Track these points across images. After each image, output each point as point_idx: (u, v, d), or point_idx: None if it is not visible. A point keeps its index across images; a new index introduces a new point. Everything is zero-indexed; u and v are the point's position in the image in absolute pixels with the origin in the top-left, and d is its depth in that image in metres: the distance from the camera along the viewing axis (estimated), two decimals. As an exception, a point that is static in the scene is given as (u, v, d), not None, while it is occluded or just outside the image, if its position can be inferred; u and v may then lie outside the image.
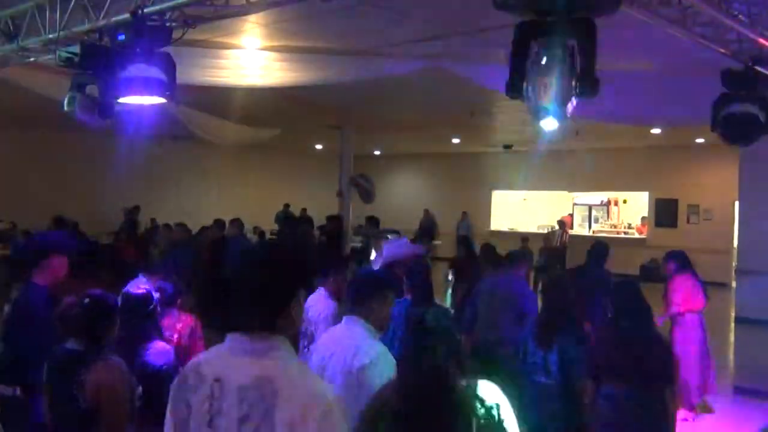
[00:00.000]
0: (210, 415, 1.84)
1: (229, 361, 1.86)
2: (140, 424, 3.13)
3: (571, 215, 20.14)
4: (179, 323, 4.49)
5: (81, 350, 3.08)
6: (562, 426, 4.20)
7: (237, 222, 10.27)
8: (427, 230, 16.74)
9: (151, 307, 3.80)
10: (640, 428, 3.95)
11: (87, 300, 3.18)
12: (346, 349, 2.99)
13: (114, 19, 4.99)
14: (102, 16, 5.07)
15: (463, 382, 2.36)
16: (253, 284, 1.85)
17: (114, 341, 3.24)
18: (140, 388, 3.21)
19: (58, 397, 3.08)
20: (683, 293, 6.51)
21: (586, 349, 4.16)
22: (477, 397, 2.33)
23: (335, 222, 12.51)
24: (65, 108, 5.62)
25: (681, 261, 6.70)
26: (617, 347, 4.01)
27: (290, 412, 1.75)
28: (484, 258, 7.42)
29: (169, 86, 4.94)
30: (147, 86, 4.88)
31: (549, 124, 4.98)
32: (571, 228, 19.85)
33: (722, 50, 4.93)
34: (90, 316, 3.12)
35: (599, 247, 6.89)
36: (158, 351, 3.64)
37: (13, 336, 4.02)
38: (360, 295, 3.17)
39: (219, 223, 10.49)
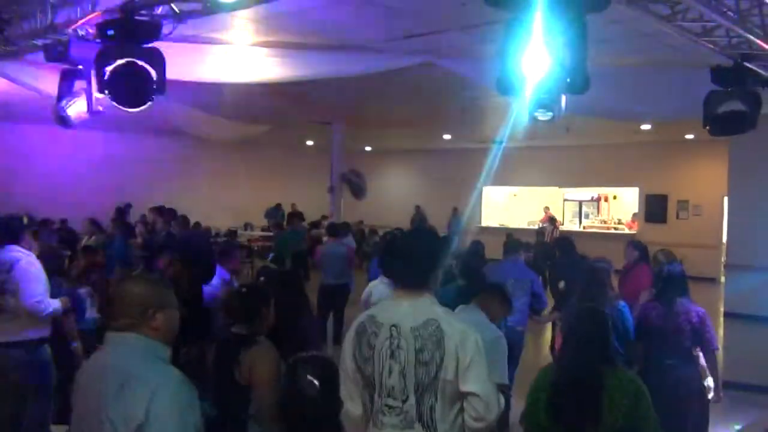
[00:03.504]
0: (391, 350, 2.54)
1: (399, 311, 2.59)
2: None
3: (548, 207, 20.23)
4: None
5: (243, 333, 3.50)
6: None
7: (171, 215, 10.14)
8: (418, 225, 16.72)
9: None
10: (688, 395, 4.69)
11: (244, 289, 3.71)
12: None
13: (103, 13, 4.95)
14: (91, 10, 5.03)
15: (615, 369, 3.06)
16: (423, 255, 2.65)
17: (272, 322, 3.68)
18: None
19: (222, 374, 3.49)
20: (644, 281, 6.64)
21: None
22: (627, 382, 3.02)
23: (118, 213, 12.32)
24: (55, 101, 5.59)
25: (642, 252, 7.34)
26: (667, 321, 4.71)
27: (454, 341, 2.47)
28: None
29: (160, 82, 4.92)
30: (137, 82, 4.86)
31: (540, 120, 4.98)
32: (562, 223, 19.93)
33: (711, 46, 4.95)
34: (247, 303, 3.56)
35: (565, 241, 8.43)
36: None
37: None
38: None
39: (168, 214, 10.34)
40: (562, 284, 7.21)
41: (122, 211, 12.45)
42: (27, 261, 4.83)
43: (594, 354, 3.07)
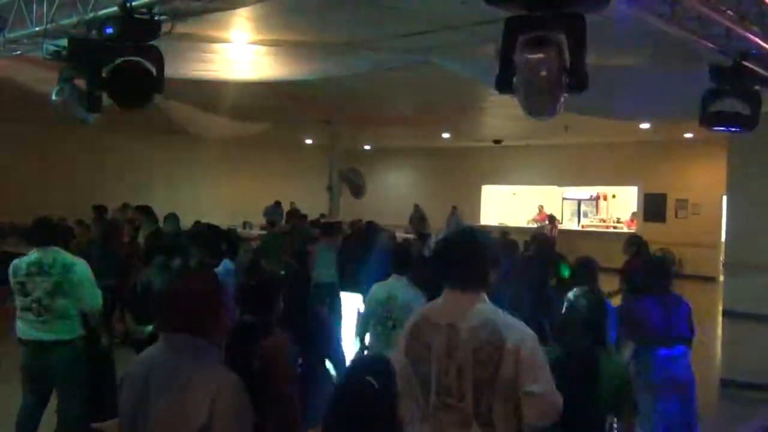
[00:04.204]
0: (449, 350, 2.57)
1: (455, 311, 2.62)
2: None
3: (542, 206, 20.29)
4: None
5: (255, 322, 3.57)
6: None
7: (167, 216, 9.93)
8: (417, 224, 16.77)
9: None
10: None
11: (255, 281, 3.77)
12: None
13: (102, 12, 4.95)
14: (89, 9, 5.03)
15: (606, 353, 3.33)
16: (479, 256, 2.68)
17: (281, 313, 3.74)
18: (300, 359, 3.72)
19: (236, 361, 3.48)
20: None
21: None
22: (617, 365, 3.32)
23: None
24: (54, 100, 5.59)
25: (640, 246, 7.50)
26: (669, 314, 4.83)
27: (513, 341, 2.49)
28: None
29: (159, 80, 4.92)
30: (136, 81, 4.86)
31: (539, 119, 4.99)
32: (561, 222, 19.97)
33: (710, 45, 4.95)
34: (260, 294, 3.65)
35: (541, 237, 8.96)
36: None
37: None
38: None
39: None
40: (554, 281, 7.29)
41: (101, 210, 12.37)
42: (81, 263, 4.92)
43: (593, 335, 3.30)
